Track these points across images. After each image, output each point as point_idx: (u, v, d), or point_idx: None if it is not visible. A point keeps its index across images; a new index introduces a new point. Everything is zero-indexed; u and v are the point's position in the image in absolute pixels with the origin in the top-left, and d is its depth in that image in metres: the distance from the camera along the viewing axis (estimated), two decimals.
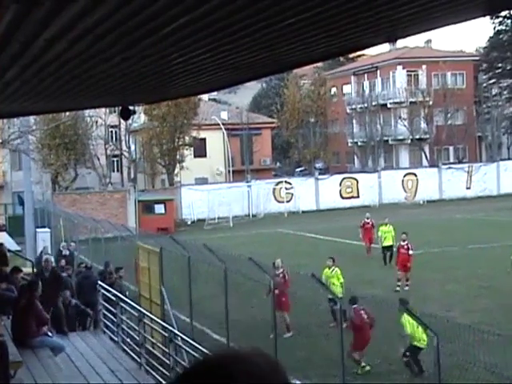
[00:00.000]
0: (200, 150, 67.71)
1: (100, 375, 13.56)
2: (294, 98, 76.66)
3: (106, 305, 17.45)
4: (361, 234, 32.58)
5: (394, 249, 27.14)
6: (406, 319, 14.75)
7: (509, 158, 68.16)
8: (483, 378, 13.77)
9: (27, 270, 23.06)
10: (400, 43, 73.14)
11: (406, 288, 23.89)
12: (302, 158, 77.10)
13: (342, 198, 58.76)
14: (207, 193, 53.43)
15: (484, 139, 77.82)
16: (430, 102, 73.28)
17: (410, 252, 24.71)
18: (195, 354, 12.24)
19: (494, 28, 78.33)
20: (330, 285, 19.58)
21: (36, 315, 13.87)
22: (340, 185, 59.10)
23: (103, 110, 58.26)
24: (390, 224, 30.00)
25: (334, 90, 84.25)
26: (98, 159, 62.80)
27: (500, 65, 76.77)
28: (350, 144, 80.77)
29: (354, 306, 15.90)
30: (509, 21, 76.99)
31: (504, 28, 77.48)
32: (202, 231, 46.78)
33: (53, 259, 19.72)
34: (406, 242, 24.90)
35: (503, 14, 74.38)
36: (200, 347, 12.15)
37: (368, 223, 32.34)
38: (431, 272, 27.02)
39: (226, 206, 52.16)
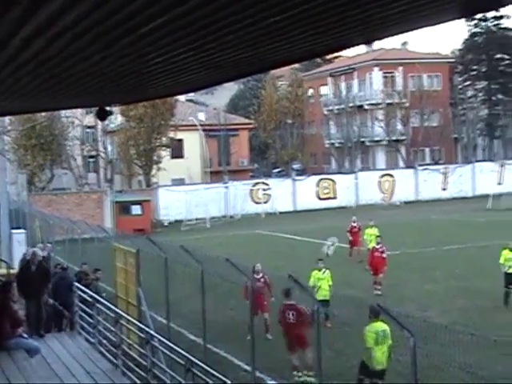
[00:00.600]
0: (177, 150, 67.57)
1: (76, 377, 13.48)
2: (271, 99, 76.77)
3: (83, 306, 17.35)
4: (350, 238, 31.76)
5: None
6: (370, 332, 13.46)
7: (484, 160, 68.63)
8: (458, 377, 13.86)
9: (2, 271, 22.91)
10: (376, 45, 73.64)
11: (379, 292, 23.61)
12: (280, 159, 77.24)
13: (319, 199, 58.90)
14: (184, 194, 53.32)
15: (459, 141, 78.37)
16: (407, 104, 73.69)
17: (384, 255, 24.54)
18: (172, 355, 12.20)
19: (470, 30, 78.97)
20: (320, 287, 19.59)
21: (10, 316, 13.75)
22: (317, 186, 59.24)
23: (80, 110, 57.94)
24: (376, 226, 29.90)
25: (311, 91, 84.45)
26: (75, 160, 62.48)
27: (475, 67, 77.36)
28: (326, 145, 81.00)
29: (287, 301, 15.52)
30: (484, 23, 77.61)
31: (479, 30, 78.08)
32: (179, 232, 46.68)
33: (40, 252, 19.60)
34: (380, 245, 24.80)
35: (478, 16, 75.01)
36: (177, 348, 12.11)
37: (355, 227, 31.83)
38: (408, 272, 27.17)
39: (204, 207, 52.10)
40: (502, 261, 21.59)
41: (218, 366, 11.34)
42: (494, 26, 77.54)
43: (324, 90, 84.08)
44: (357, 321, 16.11)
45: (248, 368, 16.06)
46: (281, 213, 55.33)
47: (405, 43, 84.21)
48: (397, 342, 13.23)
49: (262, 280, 18.99)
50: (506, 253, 21.61)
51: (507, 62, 76.79)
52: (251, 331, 15.96)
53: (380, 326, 13.33)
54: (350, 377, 15.24)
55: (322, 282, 19.86)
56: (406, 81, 75.56)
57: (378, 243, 25.00)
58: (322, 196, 59.16)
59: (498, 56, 76.98)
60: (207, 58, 6.18)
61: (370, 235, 29.06)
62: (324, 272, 20.21)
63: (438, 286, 24.81)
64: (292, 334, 15.33)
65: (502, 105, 75.85)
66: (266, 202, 56.88)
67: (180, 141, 66.87)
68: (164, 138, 62.41)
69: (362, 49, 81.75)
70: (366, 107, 76.17)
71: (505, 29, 78.55)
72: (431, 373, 13.30)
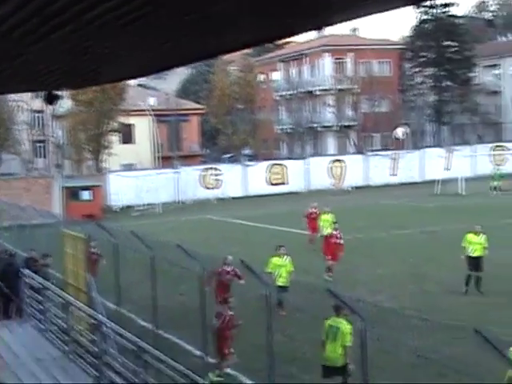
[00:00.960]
0: (127, 136, 67.06)
1: (25, 364, 13.33)
2: (222, 85, 76.50)
3: (32, 292, 17.14)
4: (307, 224, 31.63)
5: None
6: (325, 325, 13.10)
7: (432, 146, 69.42)
8: (408, 361, 14.05)
9: None
10: (327, 31, 73.72)
11: (330, 279, 23.56)
12: (231, 145, 77.13)
13: (271, 184, 59.03)
14: (135, 179, 52.97)
15: (409, 127, 79.16)
16: (357, 90, 74.13)
17: (341, 241, 24.57)
18: (123, 341, 12.13)
19: (419, 17, 79.63)
20: (280, 274, 19.56)
21: None
22: (268, 171, 59.34)
23: (27, 94, 57.08)
24: (332, 212, 29.86)
25: (262, 76, 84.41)
26: (23, 144, 61.58)
27: (424, 54, 78.08)
28: (278, 131, 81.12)
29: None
30: (433, 10, 78.35)
31: (428, 18, 78.78)
32: (129, 218, 46.39)
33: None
34: (337, 231, 24.82)
35: (428, 3, 75.71)
36: (127, 334, 12.04)
37: (315, 213, 31.43)
38: (360, 257, 27.37)
39: (154, 193, 51.83)
40: (465, 244, 21.72)
41: (169, 352, 11.30)
42: (443, 13, 78.31)
43: (275, 75, 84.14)
44: (310, 307, 16.19)
45: (199, 354, 16.06)
46: (232, 198, 55.33)
47: (355, 29, 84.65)
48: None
49: (232, 273, 18.78)
50: (470, 237, 21.76)
51: (455, 49, 77.67)
52: (202, 318, 15.94)
53: (335, 321, 13.09)
54: (304, 362, 15.36)
55: (281, 268, 19.79)
56: (357, 67, 75.99)
57: (335, 229, 24.97)
58: (273, 181, 59.29)
59: (446, 43, 77.81)
60: (155, 43, 6.12)
61: (326, 221, 29.05)
62: (286, 259, 20.11)
63: (388, 270, 25.07)
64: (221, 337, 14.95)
65: (450, 91, 76.76)
66: (217, 188, 56.82)
67: (128, 126, 66.34)
68: (114, 123, 61.86)
69: (312, 35, 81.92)
70: (317, 93, 76.44)
71: (452, 16, 79.40)
72: (381, 357, 13.44)
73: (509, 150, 64.13)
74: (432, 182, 52.88)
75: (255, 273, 14.40)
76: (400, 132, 27.22)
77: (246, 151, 76.04)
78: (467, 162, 59.28)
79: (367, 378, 11.78)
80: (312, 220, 31.39)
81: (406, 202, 46.48)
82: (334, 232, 24.81)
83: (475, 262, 21.42)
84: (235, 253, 23.87)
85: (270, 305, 14.40)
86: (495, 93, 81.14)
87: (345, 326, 12.86)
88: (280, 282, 19.28)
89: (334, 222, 26.04)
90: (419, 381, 13.51)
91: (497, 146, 65.54)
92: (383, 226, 35.63)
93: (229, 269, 18.77)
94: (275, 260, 20.02)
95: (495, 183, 49.99)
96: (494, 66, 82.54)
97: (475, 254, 21.50)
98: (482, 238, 21.67)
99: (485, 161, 61.72)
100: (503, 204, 42.28)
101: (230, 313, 14.93)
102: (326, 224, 28.63)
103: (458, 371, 12.88)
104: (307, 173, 59.87)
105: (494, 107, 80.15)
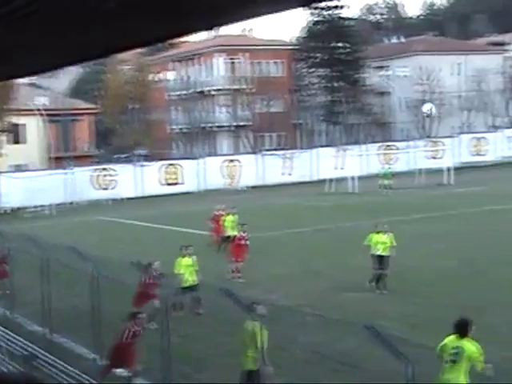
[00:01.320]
0: (18, 136, 65.35)
1: None
2: (115, 84, 75.62)
3: None
4: (212, 226, 30.73)
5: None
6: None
7: (325, 145, 70.60)
8: (303, 357, 14.28)
9: None
10: (221, 31, 73.96)
11: (241, 280, 23.40)
12: (125, 145, 76.28)
13: (166, 184, 58.75)
14: (26, 180, 51.70)
15: (302, 126, 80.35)
16: (251, 90, 74.63)
17: (247, 243, 24.54)
18: (12, 346, 11.85)
19: (311, 19, 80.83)
20: (188, 274, 19.36)
21: None
22: (163, 171, 59.05)
23: None
24: (237, 213, 29.74)
25: (156, 76, 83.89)
26: None
27: (316, 55, 79.33)
28: (172, 131, 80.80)
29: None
30: (324, 12, 79.70)
31: (320, 19, 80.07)
32: (21, 220, 45.27)
33: None
34: (246, 233, 24.73)
35: (321, 5, 77.03)
36: (19, 338, 11.77)
37: (222, 215, 30.46)
38: (255, 256, 27.42)
39: (46, 194, 50.73)
40: (370, 243, 21.81)
41: (62, 356, 11.11)
42: (334, 15, 79.78)
43: (169, 75, 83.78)
44: (206, 307, 16.23)
45: (93, 357, 15.83)
46: (127, 199, 54.75)
47: (249, 30, 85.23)
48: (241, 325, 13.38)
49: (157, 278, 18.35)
50: (375, 237, 21.97)
51: (346, 50, 79.29)
52: (93, 321, 15.73)
53: (249, 324, 12.60)
54: (199, 361, 15.37)
55: (187, 268, 19.64)
56: (251, 67, 76.52)
57: (244, 231, 24.83)
58: (168, 181, 59.04)
59: (337, 44, 79.34)
60: (43, 41, 6.00)
61: (230, 222, 28.95)
62: (192, 258, 19.88)
63: (283, 269, 25.32)
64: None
65: (342, 92, 78.27)
66: (111, 188, 56.11)
67: (20, 126, 64.70)
68: (4, 123, 60.18)
69: (206, 35, 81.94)
70: (211, 93, 76.58)
71: (343, 18, 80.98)
72: (277, 353, 13.59)
73: (397, 149, 65.99)
74: (325, 181, 53.73)
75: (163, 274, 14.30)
76: (428, 108, 28.21)
77: (141, 151, 75.37)
78: (358, 161, 60.59)
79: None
80: (218, 222, 30.41)
81: (301, 201, 47.10)
82: (243, 234, 24.71)
83: (380, 261, 21.64)
84: (130, 253, 23.69)
85: (166, 306, 14.36)
86: (384, 93, 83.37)
87: (261, 331, 12.39)
88: (189, 282, 19.17)
89: (243, 224, 25.69)
90: (314, 376, 13.74)
91: (386, 146, 67.34)
92: (278, 225, 35.98)
93: (156, 274, 17.98)
94: (184, 261, 19.76)
95: (385, 182, 51.27)
96: (383, 67, 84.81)
97: (380, 253, 21.70)
98: (387, 237, 21.88)
99: (375, 160, 63.31)
100: (394, 202, 43.47)
101: (137, 328, 13.87)
102: (231, 225, 28.60)
103: (351, 365, 13.19)
104: (202, 173, 59.87)
105: (383, 107, 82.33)
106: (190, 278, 19.35)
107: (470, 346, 10.48)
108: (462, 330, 10.49)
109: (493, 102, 78.83)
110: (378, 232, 22.06)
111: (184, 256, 19.87)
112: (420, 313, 18.49)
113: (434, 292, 20.71)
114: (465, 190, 47.22)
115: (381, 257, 21.71)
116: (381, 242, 21.79)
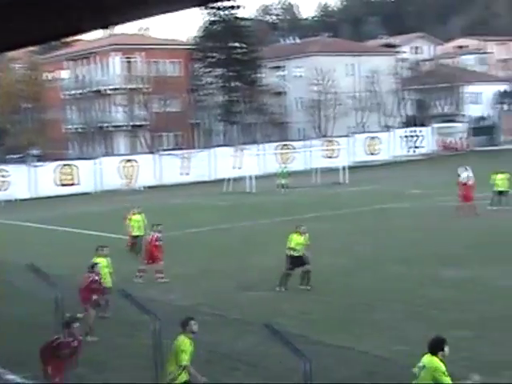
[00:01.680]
0: None
1: None
2: (6, 82, 73.71)
3: None
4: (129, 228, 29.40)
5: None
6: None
7: (222, 145, 70.77)
8: (202, 357, 14.28)
9: None
10: (117, 30, 73.24)
11: (166, 280, 23.14)
12: (18, 145, 74.46)
13: (61, 185, 57.63)
14: None
15: (200, 126, 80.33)
16: (148, 89, 74.13)
17: (161, 243, 24.13)
18: None
19: (207, 19, 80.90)
20: (106, 275, 18.90)
21: None
22: (58, 172, 57.90)
23: None
24: (142, 213, 29.30)
25: (49, 75, 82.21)
26: None
27: (213, 54, 79.46)
28: (67, 130, 79.35)
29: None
30: (222, 12, 79.91)
31: (217, 19, 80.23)
32: None
33: None
34: (161, 234, 24.30)
35: (217, 5, 77.17)
36: None
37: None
38: None
39: None
40: (292, 245, 21.52)
41: None
42: (230, 15, 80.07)
43: (63, 74, 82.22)
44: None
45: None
46: (20, 200, 53.42)
47: (145, 29, 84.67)
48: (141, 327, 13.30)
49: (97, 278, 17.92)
50: (295, 237, 21.84)
51: (242, 50, 79.72)
52: None
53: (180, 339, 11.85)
54: (97, 363, 15.16)
55: (105, 269, 19.17)
56: (147, 66, 76.00)
57: (159, 231, 24.38)
58: (63, 182, 57.94)
59: (234, 44, 79.69)
60: None
61: (136, 221, 28.54)
62: (107, 260, 19.41)
63: (181, 269, 25.23)
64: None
65: (239, 91, 78.68)
66: (4, 190, 54.65)
67: None
68: None
69: (101, 33, 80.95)
70: (107, 92, 75.63)
71: (239, 18, 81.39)
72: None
73: (294, 148, 66.84)
74: (222, 181, 53.88)
75: (45, 276, 14.02)
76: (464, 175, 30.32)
77: (34, 151, 73.73)
78: (256, 160, 61.00)
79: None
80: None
81: (199, 201, 47.09)
82: (158, 234, 24.30)
83: (298, 261, 21.55)
84: (24, 257, 23.09)
85: (62, 308, 14.10)
86: (280, 93, 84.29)
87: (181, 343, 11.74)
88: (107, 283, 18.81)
89: (158, 224, 25.17)
90: (214, 376, 13.76)
91: (283, 145, 68.07)
92: (177, 225, 35.74)
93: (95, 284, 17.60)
94: (103, 261, 19.31)
95: (282, 181, 51.85)
96: (280, 67, 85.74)
97: (297, 254, 21.61)
98: (303, 238, 21.88)
99: (272, 159, 63.93)
100: (290, 201, 44.02)
101: (70, 339, 12.43)
102: (137, 224, 28.26)
103: (249, 364, 13.27)
104: (99, 173, 59.02)
105: (280, 107, 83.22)
106: (106, 280, 19.00)
107: (433, 363, 10.19)
108: (430, 348, 10.38)
109: (385, 103, 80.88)
110: (297, 233, 21.92)
111: (99, 256, 19.39)
112: (318, 310, 18.79)
113: (330, 289, 21.06)
114: (358, 189, 48.25)
115: (298, 257, 21.64)
116: (299, 243, 21.74)
